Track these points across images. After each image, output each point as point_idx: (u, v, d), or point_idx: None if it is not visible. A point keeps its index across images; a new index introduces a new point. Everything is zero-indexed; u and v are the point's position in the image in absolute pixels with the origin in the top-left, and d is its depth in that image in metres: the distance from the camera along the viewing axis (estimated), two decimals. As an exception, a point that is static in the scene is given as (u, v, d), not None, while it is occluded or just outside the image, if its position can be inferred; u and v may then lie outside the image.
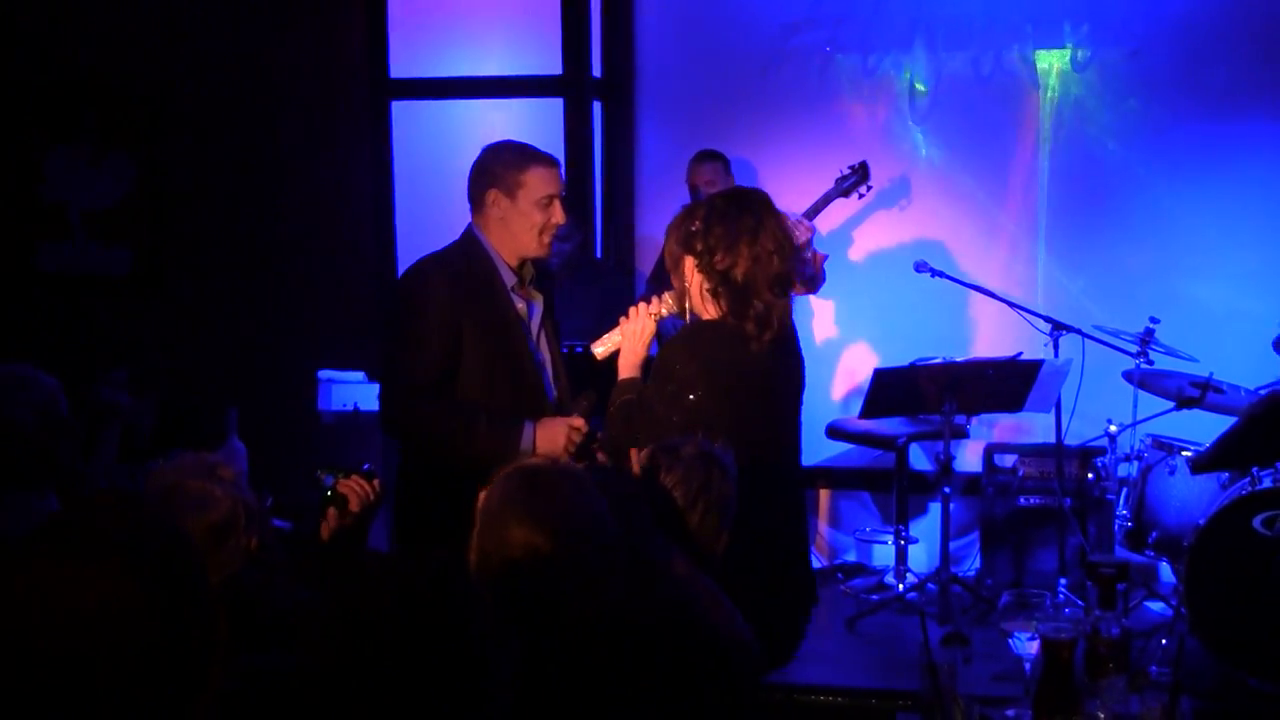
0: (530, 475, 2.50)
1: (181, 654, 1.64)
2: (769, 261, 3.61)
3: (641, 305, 3.85)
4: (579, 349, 5.35)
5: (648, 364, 3.86)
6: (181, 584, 1.65)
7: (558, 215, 4.02)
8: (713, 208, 3.70)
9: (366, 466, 3.31)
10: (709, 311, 3.69)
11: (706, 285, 3.66)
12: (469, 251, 4.02)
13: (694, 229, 3.68)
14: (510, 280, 4.04)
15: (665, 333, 4.10)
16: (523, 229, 4.00)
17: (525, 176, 4.00)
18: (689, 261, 3.69)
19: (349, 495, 3.24)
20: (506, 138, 4.20)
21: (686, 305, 3.76)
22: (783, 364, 3.76)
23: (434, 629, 1.83)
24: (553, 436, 3.91)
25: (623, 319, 3.88)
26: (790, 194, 6.49)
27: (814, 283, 6.21)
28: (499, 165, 4.02)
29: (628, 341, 3.84)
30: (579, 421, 3.96)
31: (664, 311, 3.83)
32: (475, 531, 2.48)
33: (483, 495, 2.53)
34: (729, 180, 6.23)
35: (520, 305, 4.07)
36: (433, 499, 3.90)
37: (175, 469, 2.91)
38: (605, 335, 3.93)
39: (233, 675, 2.17)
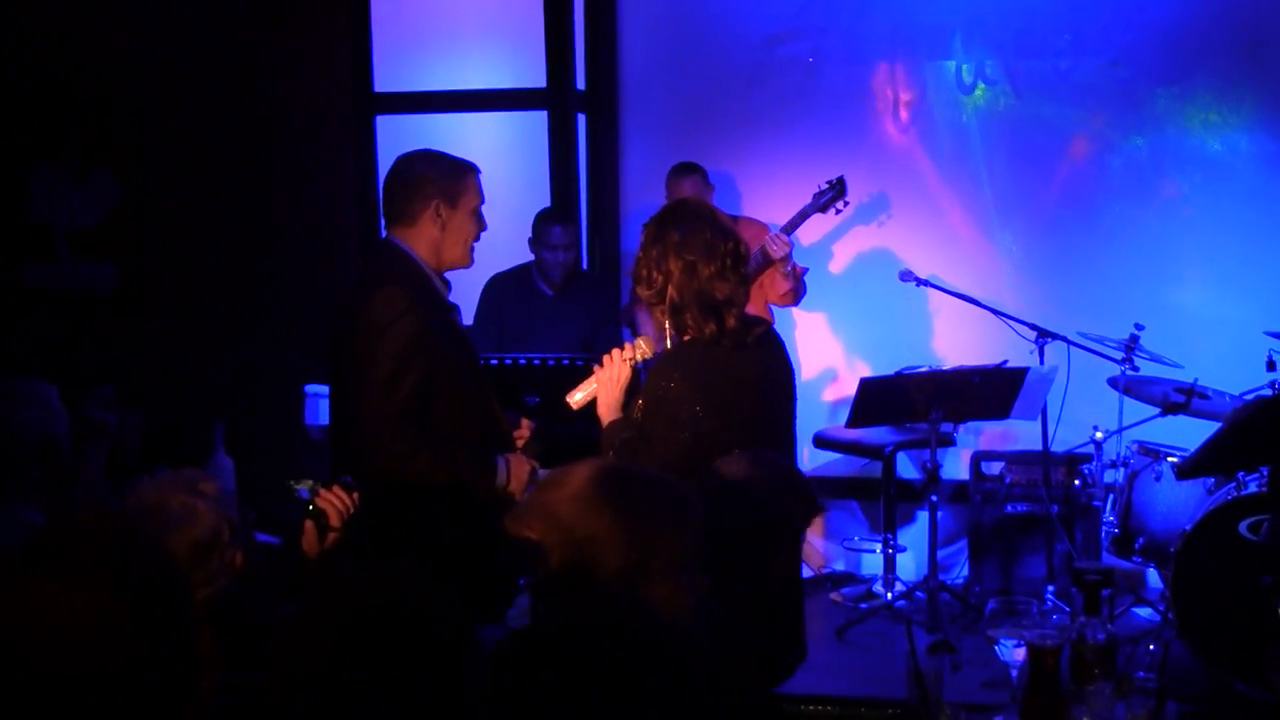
0: (626, 479, 2.46)
1: (166, 669, 1.64)
2: (700, 268, 3.62)
3: (615, 351, 3.84)
4: (565, 362, 5.37)
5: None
6: (165, 600, 1.65)
7: (484, 225, 4.00)
8: (645, 233, 3.72)
9: (347, 480, 3.27)
10: (676, 333, 3.70)
11: (658, 307, 3.68)
12: (405, 268, 3.89)
13: (637, 258, 3.71)
14: (446, 294, 3.99)
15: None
16: (458, 241, 3.94)
17: (463, 186, 3.95)
18: (643, 291, 3.72)
19: (329, 510, 3.20)
20: (425, 148, 4.10)
21: (667, 337, 3.75)
22: (767, 362, 3.77)
23: (404, 640, 1.83)
24: (520, 475, 3.91)
25: (596, 367, 3.86)
26: (773, 206, 6.53)
27: (795, 295, 6.23)
28: (440, 175, 3.94)
29: (604, 388, 3.81)
30: (535, 464, 3.97)
31: (639, 357, 3.82)
32: (546, 504, 2.41)
33: (569, 473, 2.46)
34: (709, 191, 6.24)
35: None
36: (386, 522, 3.80)
37: (157, 486, 2.90)
38: (581, 384, 3.89)
39: (221, 691, 2.17)
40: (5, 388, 3.88)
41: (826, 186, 6.17)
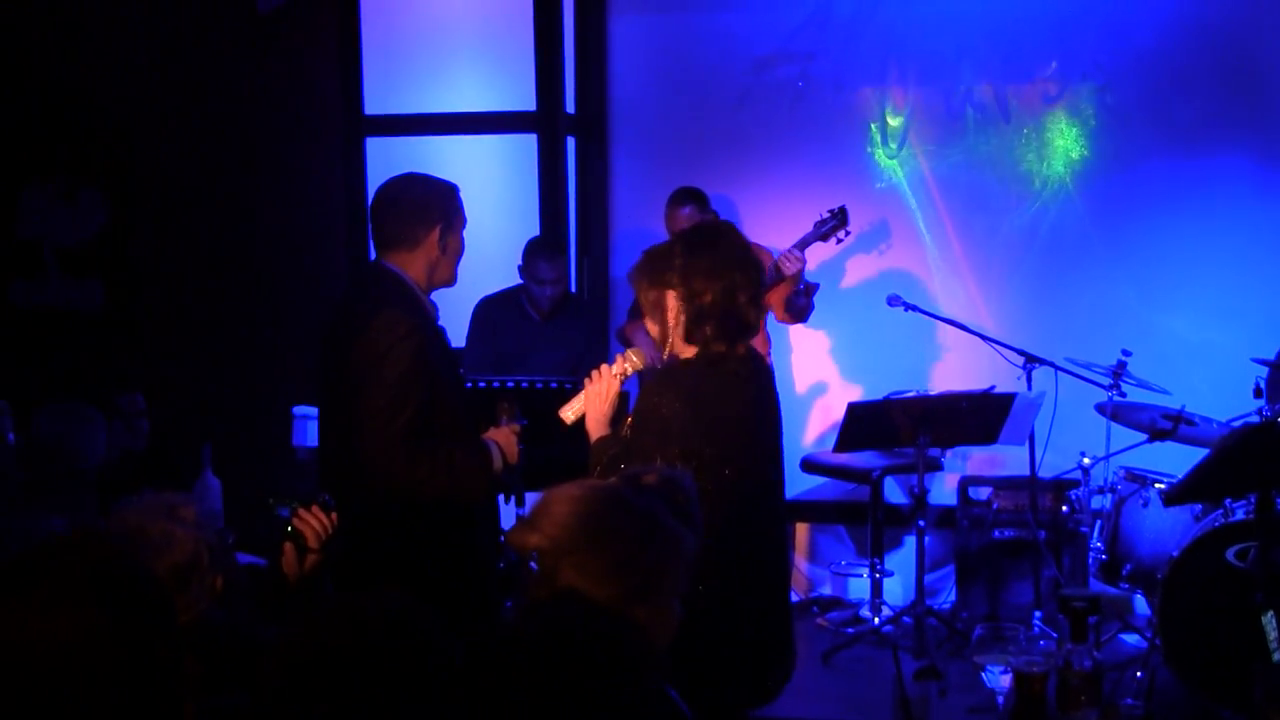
0: (612, 508, 2.42)
1: (150, 692, 1.63)
2: (739, 293, 3.61)
3: (604, 366, 3.84)
4: (554, 384, 5.37)
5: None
6: (149, 622, 1.65)
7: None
8: (687, 241, 3.70)
9: (326, 499, 3.24)
10: (688, 350, 3.67)
11: (691, 317, 3.63)
12: (402, 292, 3.88)
13: (674, 264, 3.66)
14: (436, 316, 3.98)
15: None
16: (452, 262, 3.95)
17: (459, 207, 3.96)
18: (671, 297, 3.66)
19: (306, 532, 3.18)
20: (411, 171, 4.08)
21: (666, 348, 3.73)
22: (757, 387, 3.76)
23: (389, 664, 1.82)
24: (509, 445, 3.92)
25: (586, 381, 3.86)
26: (765, 227, 6.54)
27: (804, 313, 6.24)
28: (444, 200, 3.93)
29: (593, 402, 3.80)
30: (516, 428, 3.98)
31: (628, 370, 3.82)
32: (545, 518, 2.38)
33: (559, 494, 2.42)
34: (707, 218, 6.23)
35: None
36: (373, 544, 3.78)
37: (136, 511, 2.89)
38: (572, 400, 3.89)
39: (204, 715, 2.16)
40: (63, 409, 3.90)
41: (828, 215, 6.14)
